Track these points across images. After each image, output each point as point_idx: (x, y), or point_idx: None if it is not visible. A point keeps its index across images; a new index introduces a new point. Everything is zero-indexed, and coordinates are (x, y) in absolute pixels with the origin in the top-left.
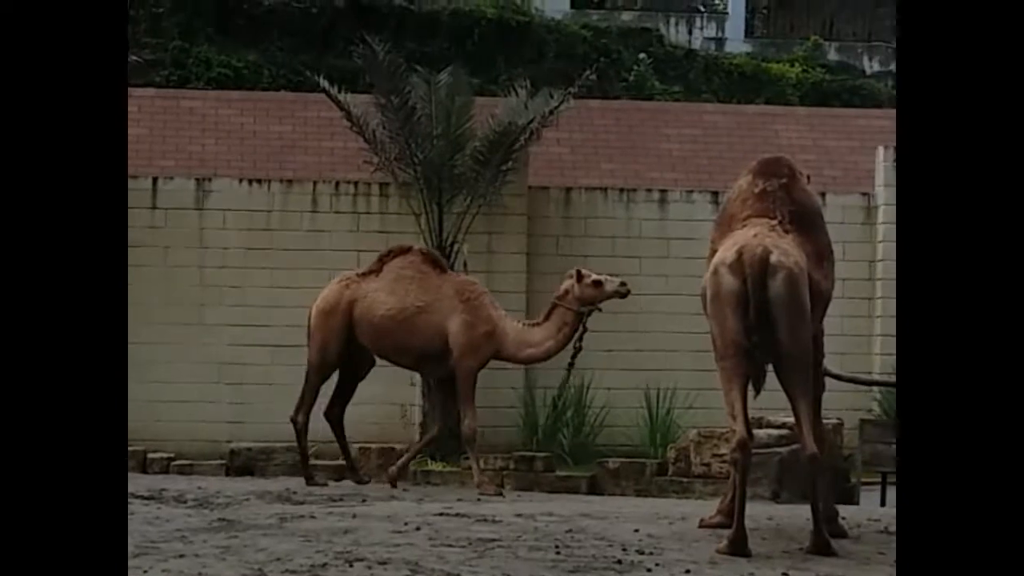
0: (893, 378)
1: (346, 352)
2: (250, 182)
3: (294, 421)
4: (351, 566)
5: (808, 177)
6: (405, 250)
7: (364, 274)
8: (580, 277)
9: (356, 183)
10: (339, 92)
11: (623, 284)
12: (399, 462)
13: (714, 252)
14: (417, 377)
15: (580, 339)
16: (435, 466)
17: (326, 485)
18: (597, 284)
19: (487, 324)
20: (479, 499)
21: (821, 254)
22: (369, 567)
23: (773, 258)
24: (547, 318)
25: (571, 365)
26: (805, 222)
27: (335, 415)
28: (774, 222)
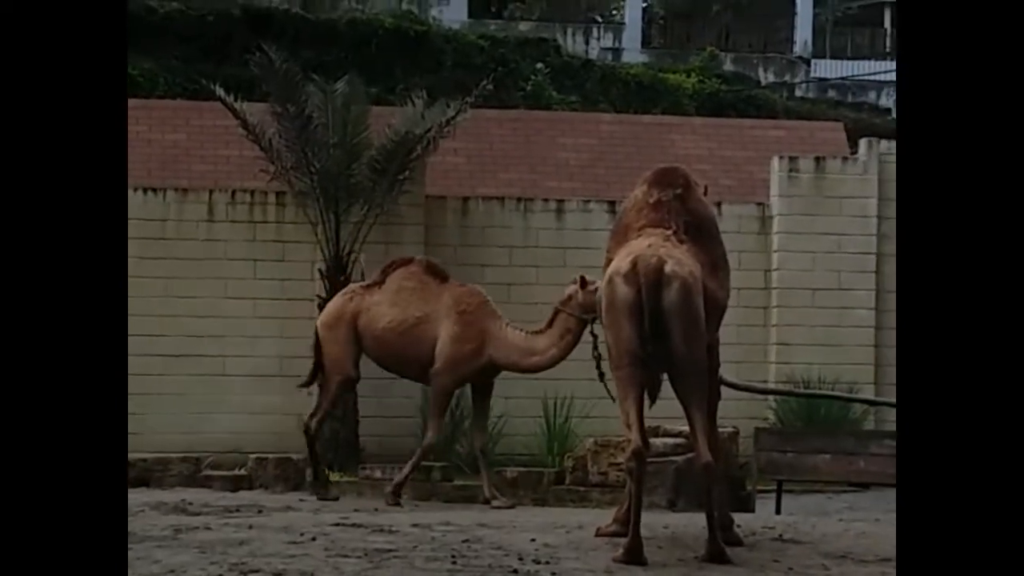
0: (788, 387)
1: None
2: (145, 190)
3: (307, 428)
4: None
5: (706, 188)
6: (407, 261)
7: (368, 286)
8: (584, 284)
9: (252, 192)
10: (235, 100)
11: None
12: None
13: (609, 262)
14: (315, 387)
15: (596, 346)
16: (332, 476)
17: (337, 499)
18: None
19: (476, 339)
20: (376, 509)
21: (716, 264)
22: None
23: (667, 268)
24: (550, 325)
25: (601, 375)
26: (700, 232)
27: (314, 426)
28: (669, 232)
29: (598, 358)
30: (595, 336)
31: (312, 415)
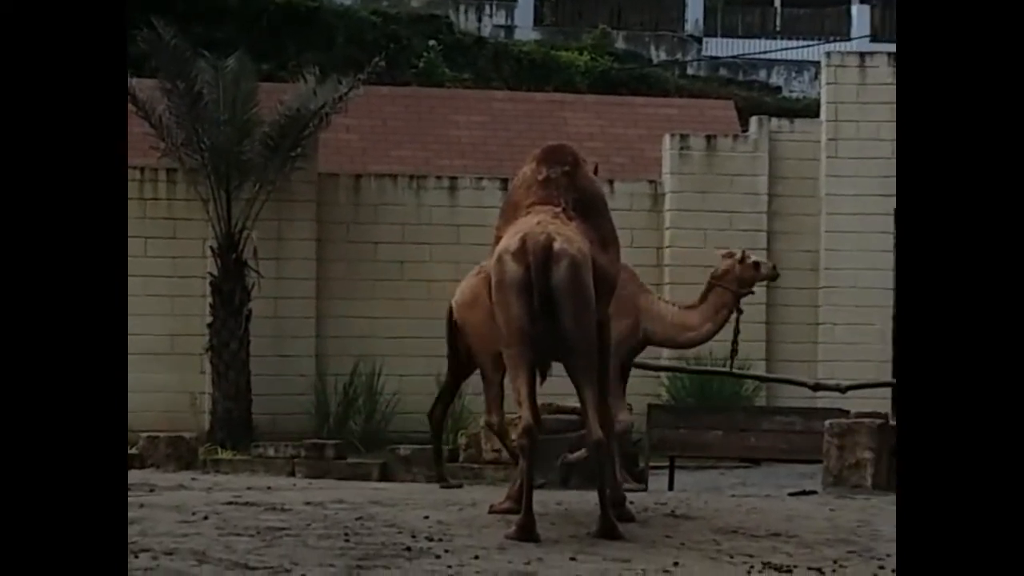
0: (680, 364)
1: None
2: None
3: (489, 426)
4: (136, 557)
5: (596, 166)
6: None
7: None
8: (743, 258)
9: (142, 169)
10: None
11: (774, 267)
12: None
13: (499, 240)
14: (207, 365)
15: (738, 322)
16: (225, 454)
17: (460, 487)
18: (756, 265)
19: (631, 315)
20: (269, 488)
21: (605, 241)
22: (155, 557)
23: (556, 245)
24: (703, 299)
25: (734, 351)
26: (589, 209)
27: (439, 414)
28: (558, 209)
29: (738, 333)
30: (740, 311)
31: (488, 409)
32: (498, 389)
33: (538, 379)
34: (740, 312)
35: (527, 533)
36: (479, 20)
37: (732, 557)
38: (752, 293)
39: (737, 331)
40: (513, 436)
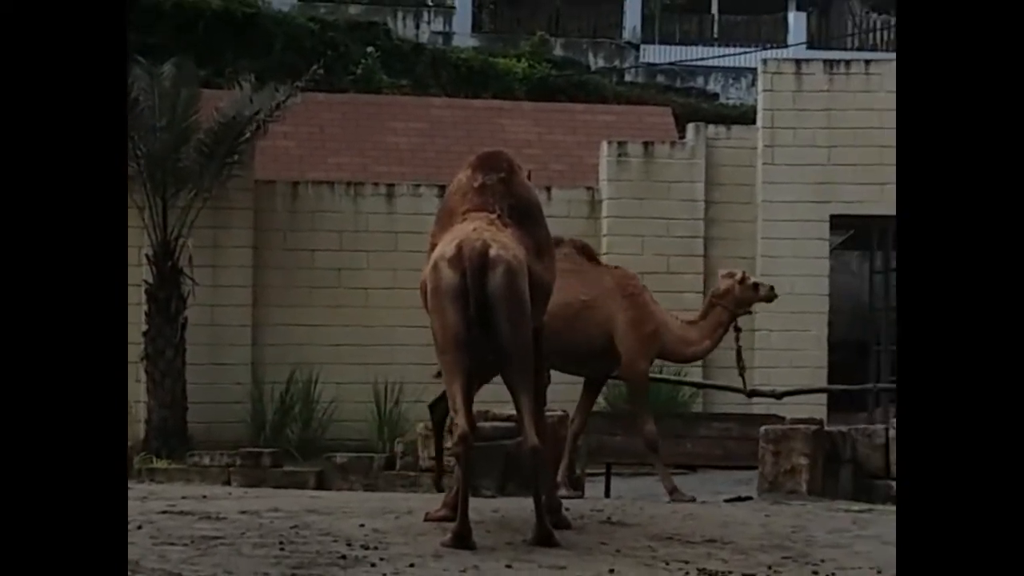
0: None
1: None
2: None
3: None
4: None
5: (529, 173)
6: (558, 242)
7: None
8: (743, 279)
9: None
10: None
11: (772, 288)
12: (561, 468)
13: (434, 247)
14: (142, 373)
15: (739, 340)
16: (160, 463)
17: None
18: (755, 287)
19: (652, 322)
20: (204, 496)
21: (541, 247)
22: None
23: (492, 252)
24: (704, 316)
25: (743, 369)
26: (524, 216)
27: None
28: (493, 216)
29: (740, 350)
30: (739, 330)
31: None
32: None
33: (475, 386)
34: (739, 330)
35: (463, 541)
36: (417, 27)
37: (668, 563)
38: (749, 313)
39: (740, 349)
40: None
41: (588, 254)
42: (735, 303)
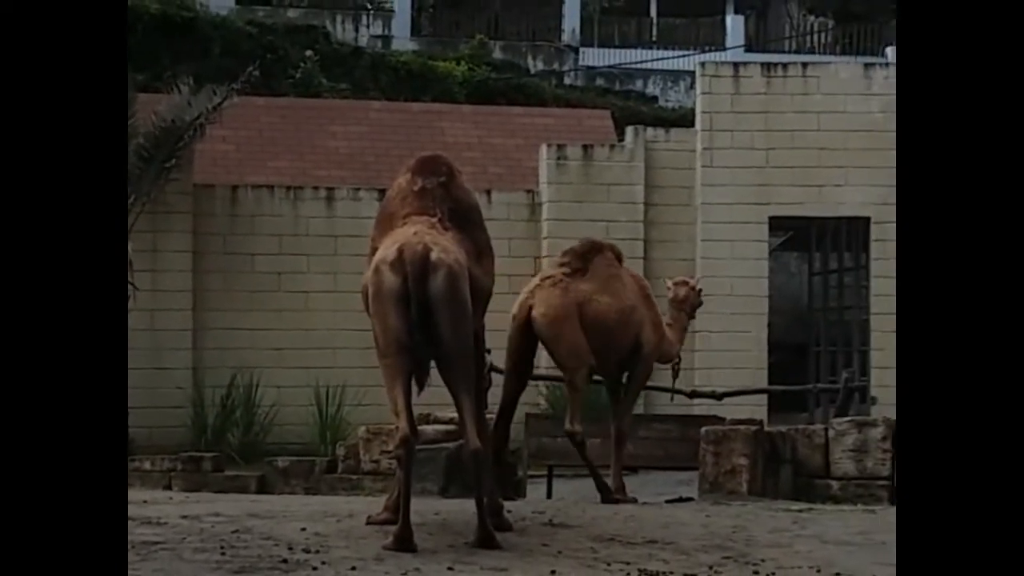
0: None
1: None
2: None
3: (574, 434)
4: None
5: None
6: (599, 248)
7: (570, 274)
8: (695, 286)
9: None
10: None
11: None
12: (613, 473)
13: (375, 250)
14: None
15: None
16: None
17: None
18: (699, 292)
19: (662, 323)
20: (145, 501)
21: (481, 251)
22: None
23: (433, 255)
24: (675, 320)
25: (676, 372)
26: (464, 219)
27: (503, 431)
28: (434, 219)
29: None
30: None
31: (571, 419)
32: (580, 400)
33: (415, 389)
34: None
35: (404, 543)
36: (356, 30)
37: (609, 564)
38: (693, 317)
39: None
40: (391, 447)
41: (619, 257)
42: (691, 308)
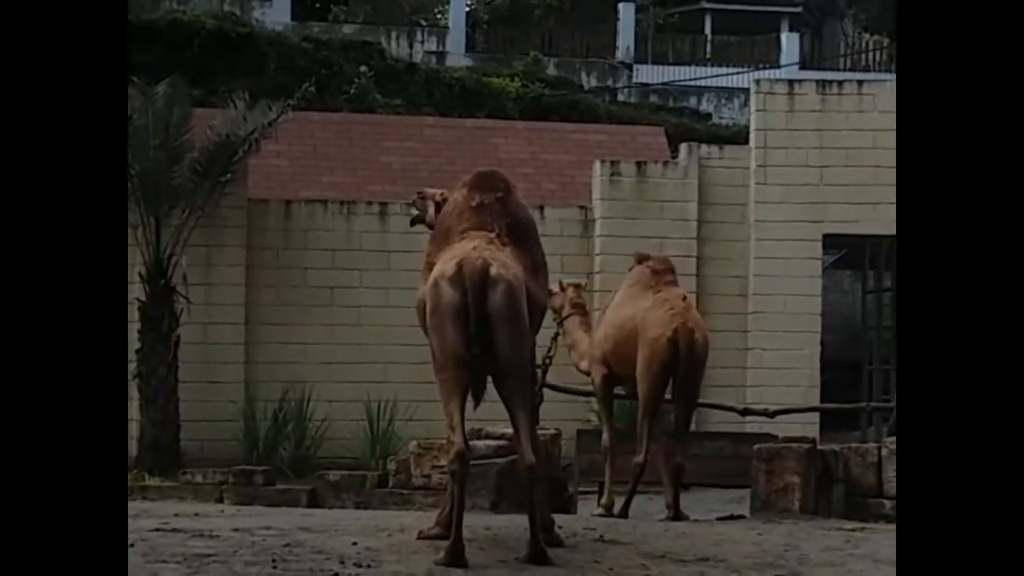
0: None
1: None
2: None
3: (639, 466)
4: None
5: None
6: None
7: (664, 287)
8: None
9: None
10: None
11: None
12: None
13: (430, 265)
14: (135, 391)
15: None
16: (153, 481)
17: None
18: (571, 290)
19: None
20: (196, 514)
21: (536, 266)
22: None
23: (493, 270)
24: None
25: (545, 370)
26: (521, 235)
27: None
28: (492, 235)
29: (549, 361)
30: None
31: (643, 452)
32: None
33: (471, 404)
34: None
35: (456, 559)
36: (411, 46)
37: None
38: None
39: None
40: (444, 462)
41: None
42: (565, 313)
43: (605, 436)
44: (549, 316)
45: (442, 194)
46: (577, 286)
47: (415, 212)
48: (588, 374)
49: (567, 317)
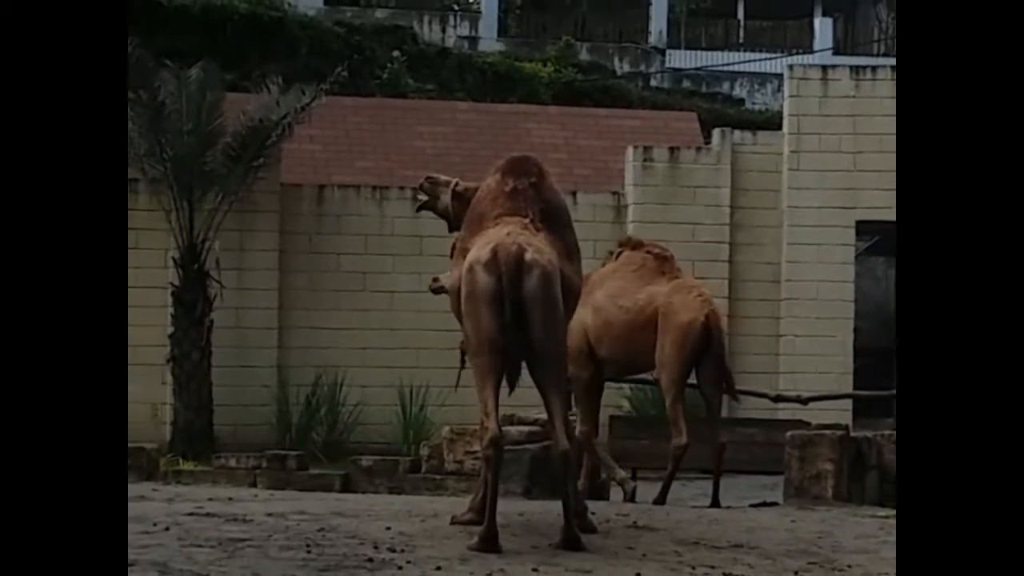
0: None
1: None
2: None
3: (682, 447)
4: None
5: None
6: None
7: (678, 274)
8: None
9: None
10: None
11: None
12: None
13: (463, 251)
14: (169, 376)
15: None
16: (186, 465)
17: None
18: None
19: None
20: (230, 499)
21: (570, 251)
22: None
23: (528, 256)
24: None
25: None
26: (554, 220)
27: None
28: (526, 220)
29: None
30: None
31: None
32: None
33: (505, 389)
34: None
35: (489, 544)
36: (443, 31)
37: (694, 568)
38: None
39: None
40: (478, 447)
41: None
42: None
43: (583, 429)
44: None
45: (457, 182)
46: None
47: (422, 198)
48: None
49: None
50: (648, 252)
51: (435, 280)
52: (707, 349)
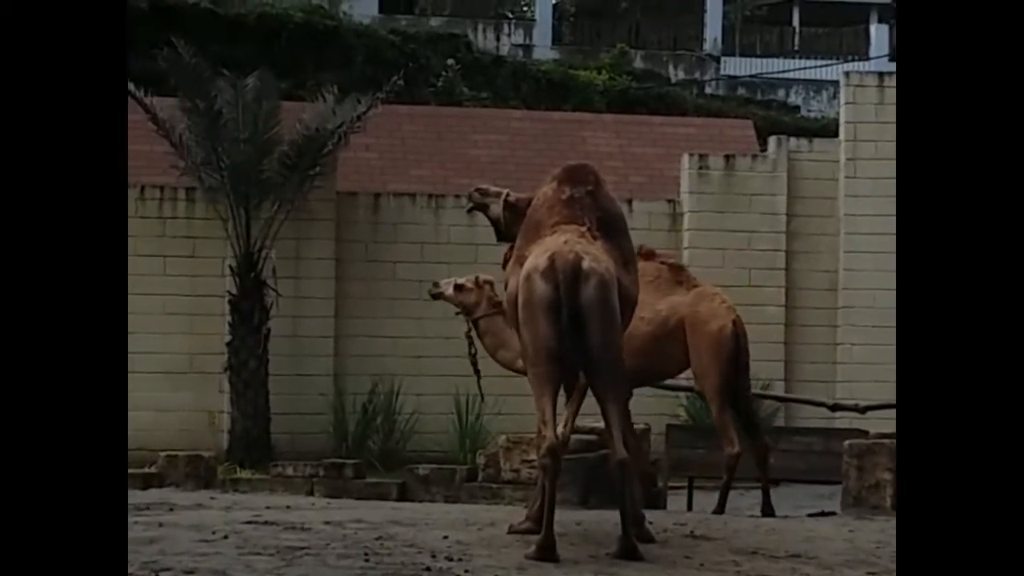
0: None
1: None
2: None
3: (735, 456)
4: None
5: None
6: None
7: (695, 283)
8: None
9: (162, 188)
10: (145, 95)
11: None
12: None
13: (520, 259)
14: (226, 384)
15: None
16: (243, 474)
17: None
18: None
19: None
20: (288, 507)
21: (627, 260)
22: None
23: (585, 264)
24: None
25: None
26: (611, 228)
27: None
28: (583, 228)
29: (474, 355)
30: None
31: (732, 442)
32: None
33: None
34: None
35: (547, 553)
36: (497, 39)
37: None
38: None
39: (474, 353)
40: (534, 456)
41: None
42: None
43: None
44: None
45: (508, 193)
46: (490, 283)
47: (470, 204)
48: (525, 373)
49: (488, 316)
50: (663, 262)
51: (435, 285)
52: (739, 355)
